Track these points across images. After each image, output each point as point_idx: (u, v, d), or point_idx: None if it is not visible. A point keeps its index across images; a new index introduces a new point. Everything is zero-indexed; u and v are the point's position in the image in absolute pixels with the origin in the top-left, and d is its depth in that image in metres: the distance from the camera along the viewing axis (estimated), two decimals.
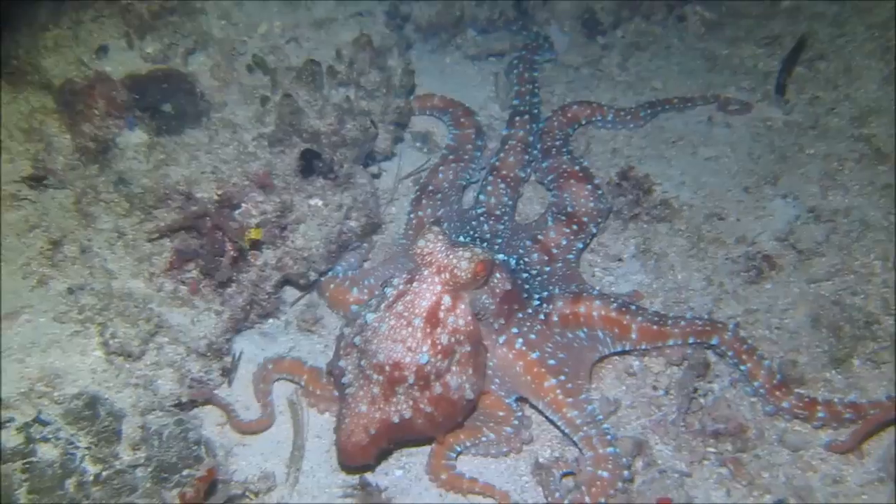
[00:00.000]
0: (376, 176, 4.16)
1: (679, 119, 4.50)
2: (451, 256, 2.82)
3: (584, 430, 2.98)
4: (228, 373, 3.35)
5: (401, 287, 2.90)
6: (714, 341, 3.18)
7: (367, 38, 4.12)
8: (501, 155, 4.11)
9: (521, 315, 3.16)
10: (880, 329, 3.29)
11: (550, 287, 3.39)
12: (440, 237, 2.89)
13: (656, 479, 2.98)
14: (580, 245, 3.72)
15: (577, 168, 3.98)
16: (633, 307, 3.26)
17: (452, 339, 2.81)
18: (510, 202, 3.94)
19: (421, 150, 4.45)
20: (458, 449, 3.07)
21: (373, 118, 4.02)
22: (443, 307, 2.82)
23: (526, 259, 3.52)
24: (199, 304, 3.31)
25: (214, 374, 3.27)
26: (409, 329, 2.79)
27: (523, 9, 5.19)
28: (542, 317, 3.21)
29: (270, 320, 3.65)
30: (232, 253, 3.33)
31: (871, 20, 4.63)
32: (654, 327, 3.19)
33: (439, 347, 2.79)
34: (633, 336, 3.20)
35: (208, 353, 3.24)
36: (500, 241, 3.63)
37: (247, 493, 2.88)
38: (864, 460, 2.98)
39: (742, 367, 3.17)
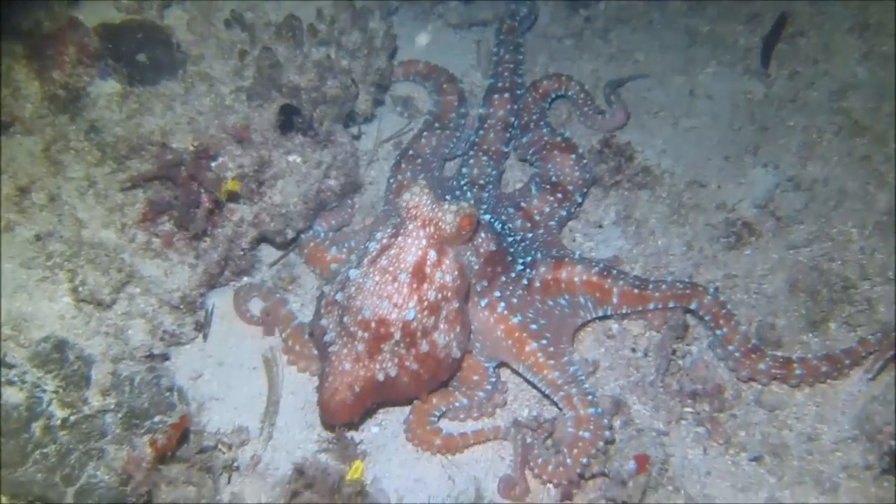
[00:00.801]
0: (356, 137, 4.09)
1: (660, 91, 4.49)
2: (436, 210, 2.75)
3: (566, 389, 2.95)
4: (202, 327, 3.27)
5: (384, 241, 2.82)
6: (693, 305, 3.17)
7: None
8: (482, 132, 4.04)
9: (503, 279, 3.10)
10: (857, 293, 3.32)
11: (533, 252, 3.34)
12: (426, 190, 2.80)
13: (634, 437, 2.97)
14: (564, 213, 3.67)
15: (559, 139, 3.93)
16: (615, 272, 3.22)
17: (439, 296, 2.76)
18: (493, 172, 3.87)
19: (402, 115, 4.39)
20: (436, 414, 3.02)
21: (353, 77, 3.95)
22: (429, 262, 2.75)
23: (510, 225, 3.47)
24: (173, 257, 3.22)
25: (187, 327, 3.20)
26: (395, 284, 2.72)
27: None
28: (524, 282, 3.16)
29: (245, 278, 3.58)
30: (207, 205, 3.25)
31: None
32: (636, 291, 3.16)
33: (426, 304, 2.73)
34: (615, 300, 3.18)
35: (181, 306, 3.17)
36: (484, 206, 3.57)
37: (219, 446, 2.81)
38: (838, 417, 3.00)
39: (718, 332, 3.16)
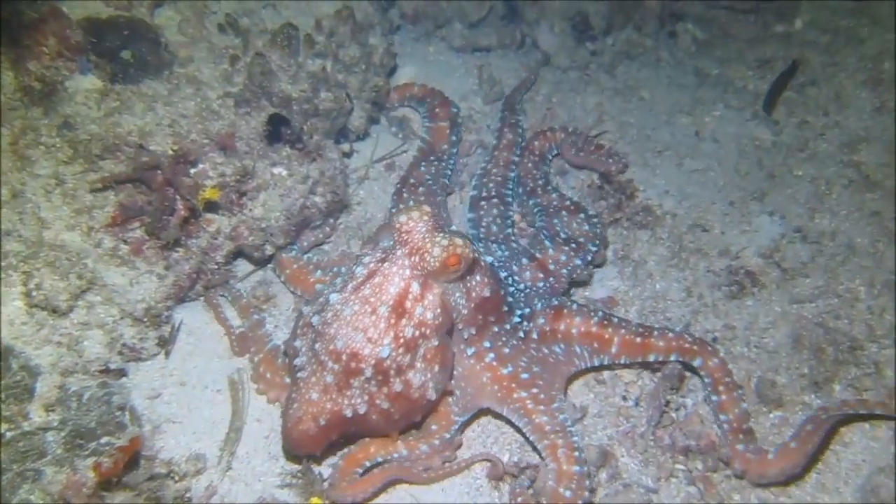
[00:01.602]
0: (347, 154, 3.92)
1: (666, 129, 4.36)
2: (426, 239, 2.52)
3: (552, 438, 2.72)
4: (166, 343, 3.05)
5: (372, 265, 2.61)
6: (696, 363, 2.97)
7: (349, 11, 3.90)
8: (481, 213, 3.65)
9: (496, 329, 2.85)
10: (863, 355, 3.14)
11: (534, 303, 3.05)
12: (425, 217, 2.57)
13: (620, 492, 2.77)
14: (579, 261, 3.35)
15: (567, 203, 3.65)
16: (616, 319, 3.02)
17: (417, 332, 2.54)
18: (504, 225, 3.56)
19: (396, 136, 4.22)
20: (367, 464, 2.73)
21: (349, 92, 3.79)
22: (411, 295, 2.53)
23: (517, 276, 3.20)
24: (141, 266, 3.01)
25: (150, 342, 2.97)
26: (373, 317, 2.50)
27: (513, 7, 5.02)
28: (520, 334, 2.92)
29: (219, 295, 3.36)
30: (183, 213, 3.05)
31: (863, 51, 4.57)
32: (637, 340, 2.95)
33: (402, 341, 2.51)
34: (613, 350, 2.97)
35: (145, 319, 2.94)
36: (495, 259, 3.25)
37: (172, 474, 2.57)
38: (841, 487, 2.79)
39: (714, 398, 2.93)
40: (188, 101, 3.21)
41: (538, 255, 3.31)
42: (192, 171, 3.11)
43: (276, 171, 3.38)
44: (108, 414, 2.35)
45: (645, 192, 3.85)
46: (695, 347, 2.95)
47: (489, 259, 2.88)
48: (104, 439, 2.31)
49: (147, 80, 3.26)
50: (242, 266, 3.48)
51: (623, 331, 2.96)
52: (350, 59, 3.87)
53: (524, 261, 3.28)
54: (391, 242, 2.64)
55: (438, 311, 2.57)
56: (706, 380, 2.96)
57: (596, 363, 3.02)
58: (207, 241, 3.21)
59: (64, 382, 2.44)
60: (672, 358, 2.98)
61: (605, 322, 2.98)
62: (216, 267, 3.27)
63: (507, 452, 2.92)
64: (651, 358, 2.98)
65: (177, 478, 2.60)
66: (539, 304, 3.04)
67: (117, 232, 3.01)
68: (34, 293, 2.65)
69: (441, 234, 2.53)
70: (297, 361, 2.65)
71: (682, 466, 2.89)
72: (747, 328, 3.30)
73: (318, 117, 3.56)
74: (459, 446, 2.86)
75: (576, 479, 2.62)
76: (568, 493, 2.59)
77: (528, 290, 3.13)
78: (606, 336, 2.95)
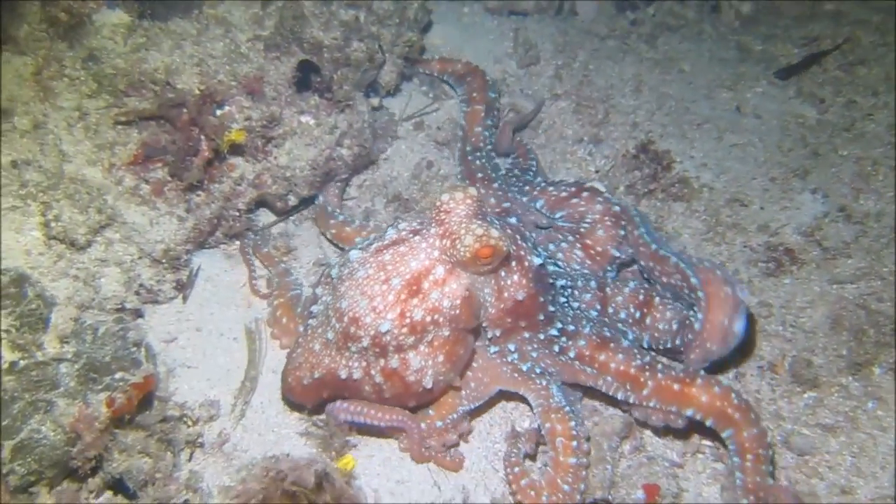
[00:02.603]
0: (377, 109, 3.80)
1: (705, 104, 4.21)
2: (462, 225, 2.37)
3: (553, 419, 2.58)
4: (183, 287, 2.97)
5: (403, 233, 2.47)
6: (726, 433, 2.55)
7: None
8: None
9: (527, 335, 2.62)
10: None
11: (583, 324, 2.72)
12: (469, 201, 2.42)
13: (644, 465, 2.66)
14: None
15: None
16: (660, 365, 2.62)
17: (428, 318, 2.38)
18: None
19: (427, 95, 4.10)
20: None
21: (381, 45, 3.67)
22: (432, 277, 2.38)
23: (576, 292, 2.86)
24: (161, 207, 2.93)
25: (167, 285, 2.90)
26: (384, 287, 2.36)
27: None
28: (555, 348, 2.65)
29: (238, 243, 3.27)
30: (206, 153, 2.96)
31: None
32: (676, 386, 2.56)
33: (408, 321, 2.36)
34: (644, 392, 2.60)
35: (163, 261, 2.87)
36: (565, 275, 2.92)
37: (185, 418, 2.50)
38: (877, 472, 2.67)
39: (736, 459, 2.53)
40: (216, 42, 3.11)
41: (608, 291, 2.89)
42: (218, 112, 3.02)
43: (303, 119, 3.28)
44: (123, 349, 2.28)
45: (682, 164, 3.71)
46: (736, 416, 2.51)
47: (538, 261, 2.58)
48: (118, 374, 2.23)
49: (175, 19, 3.15)
50: (264, 216, 3.39)
51: (661, 375, 2.58)
52: (384, 12, 3.75)
53: (592, 284, 2.89)
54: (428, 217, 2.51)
55: (458, 302, 2.40)
56: (732, 447, 2.55)
57: (619, 397, 2.66)
58: (230, 187, 3.13)
59: (79, 316, 2.36)
60: (708, 423, 2.56)
61: (647, 367, 2.60)
62: (237, 214, 3.19)
63: (527, 419, 2.82)
64: (688, 413, 2.58)
65: (189, 422, 2.53)
66: (587, 328, 2.71)
67: (139, 171, 2.93)
68: (52, 224, 2.57)
69: (478, 223, 2.38)
70: (313, 308, 2.56)
71: (708, 443, 2.78)
72: (783, 306, 3.17)
73: (348, 67, 3.45)
74: (468, 433, 2.70)
75: (572, 471, 2.49)
76: (567, 488, 2.47)
77: (580, 312, 2.81)
78: (642, 380, 2.60)
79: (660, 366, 2.62)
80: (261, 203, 3.32)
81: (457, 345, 2.45)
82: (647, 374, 2.59)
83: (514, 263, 2.49)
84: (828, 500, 2.61)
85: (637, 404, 2.64)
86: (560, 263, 2.96)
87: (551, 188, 3.23)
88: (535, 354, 2.64)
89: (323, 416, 2.60)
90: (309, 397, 2.56)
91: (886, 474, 2.66)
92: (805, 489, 2.63)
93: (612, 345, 2.65)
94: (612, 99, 4.15)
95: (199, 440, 2.53)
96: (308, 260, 3.28)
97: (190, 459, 2.49)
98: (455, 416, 2.62)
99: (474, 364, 2.67)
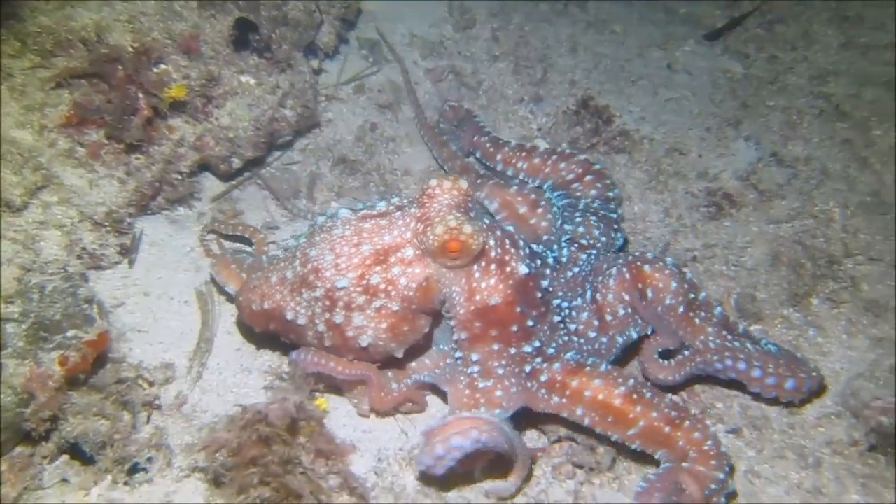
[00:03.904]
0: (317, 72, 3.74)
1: (639, 62, 4.32)
2: (440, 213, 2.32)
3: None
4: (128, 252, 2.85)
5: (390, 207, 2.44)
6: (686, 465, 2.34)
7: None
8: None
9: (496, 347, 2.43)
10: (841, 270, 3.16)
11: (566, 352, 2.52)
12: (455, 191, 2.35)
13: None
14: (634, 332, 2.64)
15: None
16: (649, 394, 2.38)
17: (382, 286, 2.34)
18: (603, 238, 2.90)
19: (367, 59, 4.06)
20: None
21: (319, 5, 3.61)
22: (399, 254, 2.35)
23: (574, 313, 2.62)
24: (100, 169, 2.80)
25: (111, 249, 2.77)
26: (353, 250, 2.35)
27: None
28: (527, 368, 2.45)
29: (181, 209, 3.17)
30: (146, 112, 2.84)
31: None
32: (666, 429, 2.34)
33: (365, 283, 2.33)
34: (631, 432, 2.37)
35: (106, 223, 2.74)
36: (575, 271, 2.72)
37: (140, 380, 2.40)
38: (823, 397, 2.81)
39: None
40: (147, 0, 2.99)
41: (598, 298, 2.62)
42: (155, 70, 2.90)
43: (243, 79, 3.20)
44: (74, 306, 2.16)
45: (622, 118, 3.79)
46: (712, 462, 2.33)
47: (524, 270, 2.42)
48: (70, 332, 2.12)
49: None
50: (208, 180, 3.29)
51: (655, 413, 2.35)
52: None
53: (589, 296, 2.65)
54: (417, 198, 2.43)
55: (415, 286, 2.35)
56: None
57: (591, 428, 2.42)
58: (171, 150, 3.02)
59: (22, 275, 2.24)
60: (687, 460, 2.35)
61: (636, 396, 2.36)
62: (180, 177, 3.09)
63: None
64: (680, 444, 2.35)
65: (145, 384, 2.43)
66: (570, 355, 2.51)
67: (72, 133, 2.79)
68: None
69: (455, 216, 2.31)
70: (287, 242, 2.54)
71: None
72: (726, 247, 3.29)
73: (286, 27, 3.38)
74: (416, 402, 2.59)
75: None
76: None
77: (575, 336, 2.59)
78: (631, 416, 2.35)
79: (649, 395, 2.38)
80: (204, 166, 3.22)
81: (403, 322, 2.41)
82: (639, 408, 2.35)
83: (493, 266, 2.39)
84: (777, 422, 2.73)
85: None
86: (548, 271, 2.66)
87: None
88: (500, 371, 2.43)
89: (286, 370, 2.55)
90: (257, 322, 2.54)
91: (829, 394, 2.80)
92: (757, 414, 2.74)
93: (587, 367, 2.44)
94: (549, 59, 4.21)
95: (157, 402, 2.43)
96: (256, 221, 3.20)
97: (148, 421, 2.40)
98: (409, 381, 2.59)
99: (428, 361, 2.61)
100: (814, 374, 2.68)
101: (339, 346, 2.45)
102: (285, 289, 2.44)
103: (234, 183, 3.32)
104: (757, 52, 4.39)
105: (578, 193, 3.11)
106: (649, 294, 2.60)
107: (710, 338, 2.66)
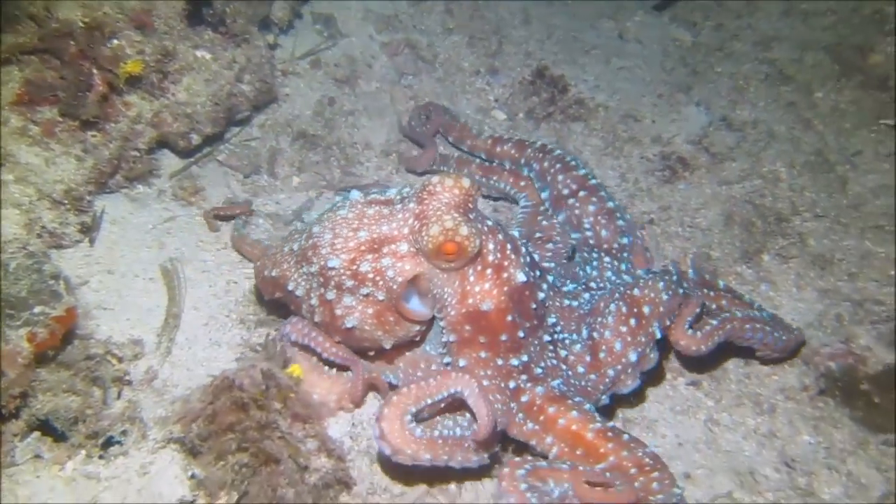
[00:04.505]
0: (272, 46, 3.71)
1: (591, 32, 4.39)
2: (438, 212, 2.25)
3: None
4: (89, 230, 2.81)
5: (397, 196, 2.38)
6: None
7: None
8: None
9: (483, 355, 2.35)
10: (789, 227, 3.30)
11: (552, 377, 2.45)
12: (456, 190, 2.28)
13: None
14: (633, 357, 2.53)
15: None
16: (626, 437, 2.28)
17: (371, 275, 2.30)
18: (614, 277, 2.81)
19: (321, 34, 4.04)
20: None
21: None
22: (393, 247, 2.30)
23: (568, 342, 2.55)
24: (55, 147, 2.75)
25: (71, 228, 2.73)
26: (350, 233, 2.32)
27: None
28: (511, 384, 2.37)
29: (140, 186, 3.13)
30: (101, 88, 2.80)
31: None
32: (632, 470, 2.21)
33: (354, 267, 2.30)
34: (600, 465, 2.24)
35: (65, 202, 2.70)
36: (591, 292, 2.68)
37: (109, 356, 2.39)
38: None
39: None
40: None
41: (595, 335, 2.54)
42: (108, 45, 2.86)
43: (199, 53, 3.17)
44: (40, 282, 2.13)
45: (576, 87, 3.87)
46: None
47: (521, 278, 2.35)
48: (37, 309, 2.09)
49: None
50: (166, 157, 3.25)
51: (626, 453, 2.24)
52: None
53: (585, 332, 2.56)
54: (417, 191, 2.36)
55: (401, 280, 2.30)
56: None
57: (555, 457, 2.33)
58: (128, 126, 2.97)
59: None
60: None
61: (610, 435, 2.28)
62: (138, 154, 3.04)
63: None
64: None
65: (114, 361, 2.42)
66: (556, 383, 2.43)
67: (24, 111, 2.73)
68: None
69: (453, 216, 2.24)
70: (312, 215, 2.59)
71: None
72: (681, 209, 3.41)
73: (239, 1, 3.34)
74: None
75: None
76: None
77: (564, 364, 2.51)
78: (602, 451, 2.27)
79: (626, 437, 2.28)
80: (162, 143, 3.19)
81: (388, 311, 2.35)
82: (610, 445, 2.26)
83: (489, 271, 2.34)
84: (735, 373, 2.85)
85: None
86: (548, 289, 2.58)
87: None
88: (486, 382, 2.34)
89: (260, 342, 2.57)
90: (266, 289, 2.56)
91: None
92: (716, 365, 2.86)
93: (567, 399, 2.36)
94: (503, 31, 4.26)
95: (127, 377, 2.42)
96: (218, 198, 3.19)
97: (119, 397, 2.39)
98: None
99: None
100: (796, 331, 2.83)
101: (328, 324, 2.42)
102: (291, 259, 2.44)
103: (192, 160, 3.29)
104: (704, 20, 4.51)
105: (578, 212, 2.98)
106: (646, 311, 2.53)
107: (732, 309, 2.75)
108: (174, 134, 3.13)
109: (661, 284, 2.55)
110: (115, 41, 2.88)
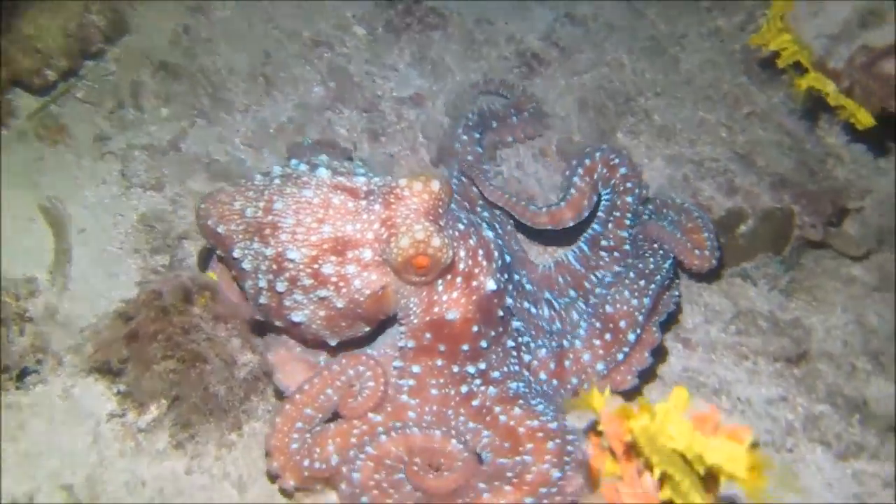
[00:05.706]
0: None
1: None
2: (407, 220, 2.09)
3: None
4: None
5: (364, 186, 2.17)
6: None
7: None
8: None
9: (439, 363, 2.26)
10: (636, 106, 3.65)
11: (510, 381, 2.34)
12: (426, 195, 2.12)
13: None
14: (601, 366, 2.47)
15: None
16: (572, 437, 2.14)
17: (334, 279, 2.12)
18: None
19: None
20: None
21: None
22: (357, 252, 2.11)
23: (533, 345, 2.47)
24: None
25: None
26: (314, 224, 2.11)
27: None
28: (463, 389, 2.27)
29: (4, 130, 2.98)
30: None
31: None
32: (529, 445, 2.15)
33: (315, 267, 2.11)
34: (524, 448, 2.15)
35: None
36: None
37: (5, 294, 2.34)
38: None
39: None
40: None
41: (565, 344, 2.48)
42: None
43: None
44: None
45: None
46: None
47: (492, 286, 2.25)
48: None
49: None
50: (22, 97, 3.10)
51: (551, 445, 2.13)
52: None
53: (553, 344, 2.50)
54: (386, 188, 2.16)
55: (368, 293, 2.15)
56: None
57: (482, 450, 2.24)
58: None
59: None
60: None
61: (539, 436, 2.16)
62: None
63: None
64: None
65: (10, 300, 2.37)
66: (514, 385, 2.33)
67: None
68: None
69: (422, 225, 2.09)
70: (274, 170, 2.31)
71: None
72: (542, 102, 3.66)
73: None
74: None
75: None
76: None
77: (526, 370, 2.43)
78: (525, 442, 2.17)
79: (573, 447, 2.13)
80: (15, 82, 3.03)
81: (341, 318, 2.21)
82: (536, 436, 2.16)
83: (459, 279, 2.21)
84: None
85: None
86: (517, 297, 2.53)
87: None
88: (434, 392, 2.27)
89: (161, 264, 2.58)
90: (206, 235, 2.33)
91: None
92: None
93: (520, 401, 2.26)
94: None
95: (27, 314, 2.39)
96: (85, 136, 3.10)
97: (22, 334, 2.36)
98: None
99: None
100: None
101: (271, 309, 2.23)
102: (242, 224, 2.20)
103: (49, 98, 3.15)
104: None
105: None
106: (622, 325, 2.47)
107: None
108: (26, 70, 2.99)
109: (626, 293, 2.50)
110: None
